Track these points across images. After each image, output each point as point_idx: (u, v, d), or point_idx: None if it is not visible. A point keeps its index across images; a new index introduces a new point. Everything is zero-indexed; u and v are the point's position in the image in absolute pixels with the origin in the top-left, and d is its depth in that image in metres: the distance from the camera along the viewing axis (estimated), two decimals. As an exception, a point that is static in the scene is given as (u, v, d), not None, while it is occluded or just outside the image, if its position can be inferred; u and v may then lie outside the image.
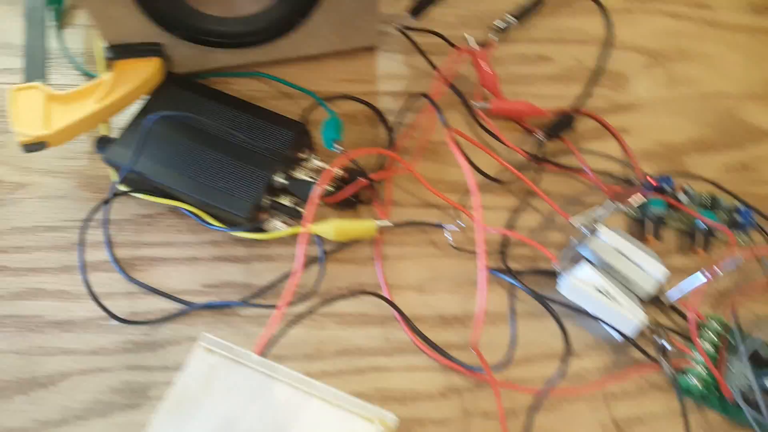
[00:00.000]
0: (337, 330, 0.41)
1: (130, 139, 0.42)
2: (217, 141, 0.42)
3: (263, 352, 0.33)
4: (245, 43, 0.46)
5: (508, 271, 0.42)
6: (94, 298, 0.40)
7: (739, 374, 0.39)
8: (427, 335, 0.40)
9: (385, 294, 0.42)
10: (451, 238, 0.43)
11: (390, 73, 0.51)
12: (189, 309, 0.41)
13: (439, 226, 0.43)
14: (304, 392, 0.29)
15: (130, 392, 0.39)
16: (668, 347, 0.38)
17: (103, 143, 0.43)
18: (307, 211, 0.37)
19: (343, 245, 0.43)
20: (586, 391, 0.39)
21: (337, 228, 0.41)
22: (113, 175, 0.43)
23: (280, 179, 0.42)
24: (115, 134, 0.44)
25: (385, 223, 0.42)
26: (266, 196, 0.42)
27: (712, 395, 0.38)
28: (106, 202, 0.42)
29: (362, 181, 0.42)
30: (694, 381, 0.38)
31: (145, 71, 0.44)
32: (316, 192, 0.37)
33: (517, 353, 0.40)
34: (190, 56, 0.46)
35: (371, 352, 0.40)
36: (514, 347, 0.40)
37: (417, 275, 0.43)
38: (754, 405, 0.37)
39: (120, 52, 0.44)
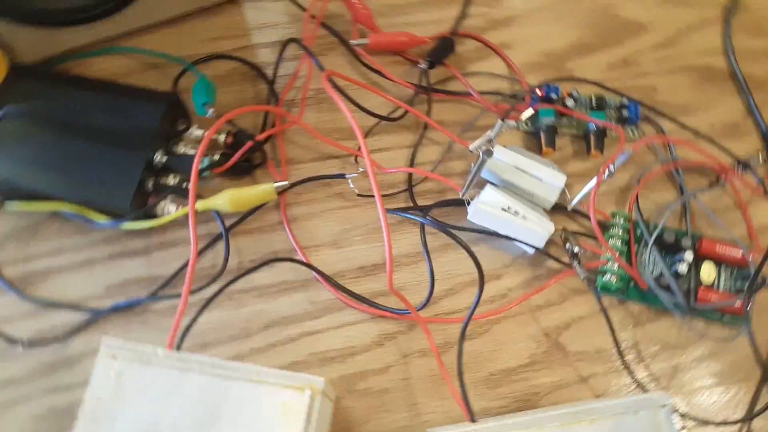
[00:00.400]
0: (258, 304, 0.40)
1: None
2: (81, 130, 0.39)
3: (179, 345, 0.32)
4: (90, 17, 0.41)
5: (415, 208, 0.42)
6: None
7: (650, 262, 0.41)
8: (350, 289, 0.40)
9: (300, 256, 0.41)
10: (354, 187, 0.42)
11: (261, 23, 0.48)
12: (97, 316, 0.38)
13: (341, 176, 0.42)
14: (223, 377, 0.28)
15: (56, 416, 0.36)
16: (578, 251, 0.39)
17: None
18: (191, 186, 0.34)
19: (247, 215, 0.41)
20: (511, 309, 0.40)
21: (232, 198, 0.39)
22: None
23: (159, 158, 0.39)
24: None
25: (283, 183, 0.40)
26: (149, 179, 0.39)
27: (629, 288, 0.40)
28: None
29: (248, 143, 0.40)
30: (610, 278, 0.40)
31: (-16, 68, 0.39)
32: (196, 164, 0.35)
33: (440, 287, 0.40)
34: (32, 42, 0.41)
35: (298, 318, 0.39)
36: (434, 283, 0.40)
37: (329, 231, 0.42)
38: (667, 288, 0.39)
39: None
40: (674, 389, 0.39)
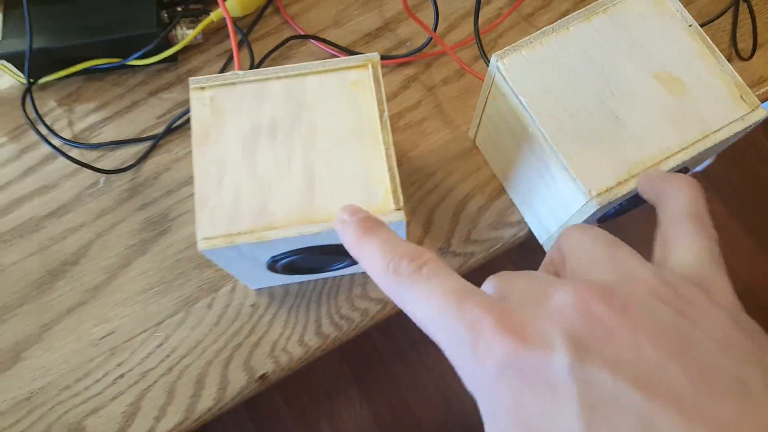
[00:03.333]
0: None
1: (13, 28, 0.42)
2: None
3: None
4: None
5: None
6: (83, 164, 0.41)
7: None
8: (364, 53, 0.44)
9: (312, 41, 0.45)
10: (338, -34, 0.46)
11: None
12: (157, 139, 0.43)
13: (324, -40, 0.46)
14: (298, 76, 0.33)
15: (153, 225, 0.41)
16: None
17: (-14, 46, 0.42)
18: None
19: (251, 24, 0.46)
20: (505, 19, 0.45)
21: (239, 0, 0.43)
22: (15, 76, 0.43)
23: (165, -11, 0.43)
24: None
25: (279, -25, 0.44)
26: (161, 11, 0.43)
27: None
28: (26, 94, 0.42)
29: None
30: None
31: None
32: None
33: (440, 26, 0.45)
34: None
35: (328, 88, 0.44)
36: (438, 12, 0.44)
37: (329, 14, 0.46)
38: None
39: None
40: None
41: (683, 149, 0.31)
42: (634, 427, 0.15)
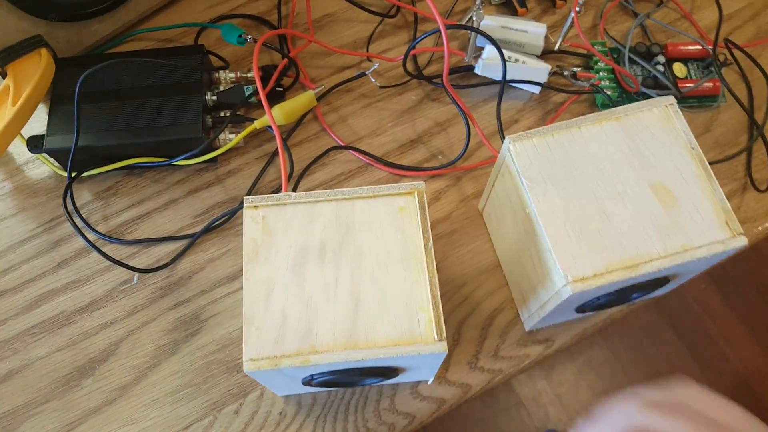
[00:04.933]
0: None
1: (59, 124, 0.44)
2: (138, 90, 0.45)
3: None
4: (110, 6, 0.47)
5: (430, 79, 0.49)
6: (117, 261, 0.42)
7: (633, 73, 0.48)
8: (399, 163, 0.46)
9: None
10: (375, 81, 0.49)
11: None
12: (194, 238, 0.44)
13: (362, 75, 0.48)
14: (348, 199, 0.34)
15: (185, 325, 0.41)
16: (576, 70, 0.46)
17: (35, 141, 0.44)
18: (261, 95, 0.40)
19: (293, 130, 0.47)
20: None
21: (283, 110, 0.45)
22: (55, 168, 0.45)
23: (209, 96, 0.45)
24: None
25: (320, 87, 0.46)
26: (206, 117, 0.45)
27: (623, 98, 0.48)
28: (67, 189, 0.44)
29: (284, 61, 0.46)
30: (607, 93, 0.47)
31: (37, 64, 0.45)
32: (258, 81, 0.41)
33: (474, 140, 0.47)
34: (70, 37, 0.47)
35: (361, 196, 0.45)
36: (470, 132, 0.46)
37: (364, 125, 0.48)
38: (653, 87, 0.47)
39: (6, 55, 0.44)
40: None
41: (662, 257, 0.33)
42: None
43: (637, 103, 0.36)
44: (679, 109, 0.36)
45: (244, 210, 0.34)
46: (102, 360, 0.40)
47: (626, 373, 1.12)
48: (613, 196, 0.34)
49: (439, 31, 0.40)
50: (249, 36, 0.47)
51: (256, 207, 0.34)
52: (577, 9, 0.47)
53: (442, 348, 0.31)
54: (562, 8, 0.52)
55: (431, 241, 0.33)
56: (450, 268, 0.43)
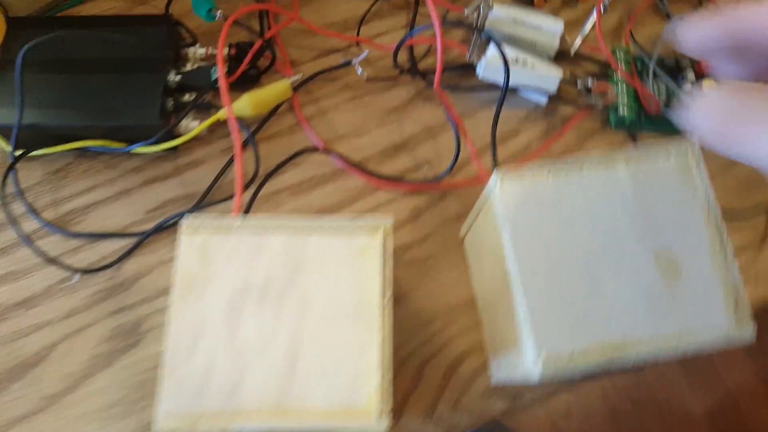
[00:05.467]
0: (293, 202, 0.41)
1: (4, 94, 0.39)
2: (94, 64, 0.40)
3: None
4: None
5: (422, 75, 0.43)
6: (52, 260, 0.38)
7: (656, 91, 0.42)
8: (377, 172, 0.41)
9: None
10: (362, 72, 0.43)
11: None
12: (143, 237, 0.39)
13: (348, 64, 0.42)
14: (301, 233, 0.30)
15: (124, 334, 0.38)
16: (590, 84, 0.40)
17: (-25, 114, 0.39)
18: (221, 89, 0.35)
19: (264, 121, 0.42)
20: (534, 158, 0.41)
21: (251, 99, 0.40)
22: (4, 145, 0.40)
23: (173, 77, 0.40)
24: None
25: (297, 77, 0.41)
26: (167, 99, 0.40)
27: (641, 119, 0.42)
28: (9, 171, 0.39)
29: (258, 42, 0.41)
30: (623, 111, 0.41)
31: (-18, 24, 0.40)
32: (221, 69, 0.36)
33: (462, 154, 0.42)
34: (23, -6, 0.42)
35: (334, 208, 0.41)
36: (459, 144, 0.41)
37: (346, 121, 0.43)
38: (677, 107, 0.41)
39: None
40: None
41: (652, 341, 0.28)
42: None
43: (654, 147, 0.31)
44: (702, 158, 0.31)
45: (181, 232, 0.29)
46: (33, 364, 0.37)
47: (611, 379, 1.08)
48: (607, 262, 0.29)
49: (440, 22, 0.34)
50: (219, 12, 0.41)
51: (195, 231, 0.30)
52: (603, 5, 0.40)
53: (383, 428, 0.27)
54: (585, 2, 0.46)
55: (391, 295, 0.29)
56: (420, 300, 0.39)
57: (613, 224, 0.30)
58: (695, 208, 0.30)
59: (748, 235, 0.40)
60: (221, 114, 0.40)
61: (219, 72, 0.35)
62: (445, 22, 0.45)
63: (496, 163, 0.36)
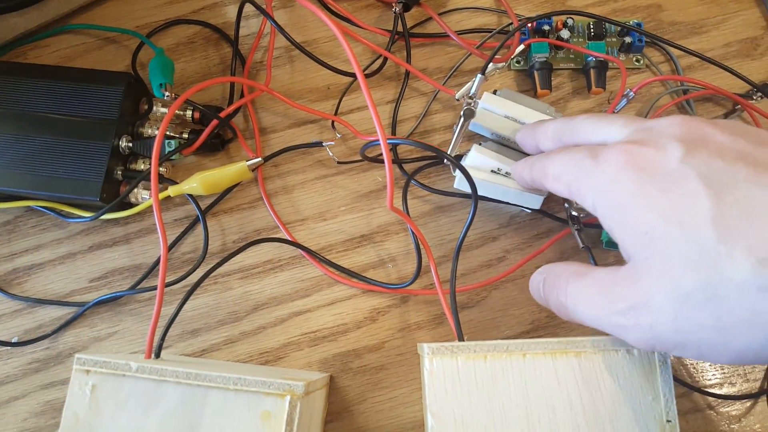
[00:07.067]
0: (245, 286, 0.38)
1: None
2: (40, 122, 0.37)
3: (158, 352, 0.31)
4: (32, -1, 0.38)
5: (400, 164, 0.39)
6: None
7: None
8: (338, 263, 0.38)
9: (283, 232, 0.39)
10: (333, 155, 0.39)
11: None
12: (82, 310, 0.38)
13: (317, 144, 0.39)
14: (201, 387, 0.27)
15: (54, 411, 0.37)
16: (578, 213, 0.35)
17: None
18: (152, 175, 0.31)
19: (224, 194, 0.39)
20: (511, 273, 0.37)
21: (203, 182, 0.37)
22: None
23: (124, 143, 0.37)
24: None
25: (256, 161, 0.37)
26: (117, 167, 0.37)
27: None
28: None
29: (213, 122, 0.37)
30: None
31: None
32: (156, 148, 0.32)
33: (435, 254, 0.38)
34: (-21, 30, 0.39)
35: (287, 298, 0.38)
36: (420, 253, 0.37)
37: (311, 203, 0.39)
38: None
39: None
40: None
41: None
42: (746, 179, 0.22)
43: (613, 338, 0.27)
44: (669, 363, 0.27)
45: (73, 369, 0.27)
46: (-41, 433, 0.37)
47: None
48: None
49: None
50: (167, 93, 0.37)
51: (87, 371, 0.27)
52: (626, 97, 0.35)
53: None
54: (599, 95, 0.40)
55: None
56: (363, 415, 0.36)
57: (551, 423, 0.26)
58: (652, 418, 0.26)
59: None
60: (171, 191, 0.37)
61: (153, 159, 0.30)
62: (433, 101, 0.40)
63: (457, 325, 0.31)
